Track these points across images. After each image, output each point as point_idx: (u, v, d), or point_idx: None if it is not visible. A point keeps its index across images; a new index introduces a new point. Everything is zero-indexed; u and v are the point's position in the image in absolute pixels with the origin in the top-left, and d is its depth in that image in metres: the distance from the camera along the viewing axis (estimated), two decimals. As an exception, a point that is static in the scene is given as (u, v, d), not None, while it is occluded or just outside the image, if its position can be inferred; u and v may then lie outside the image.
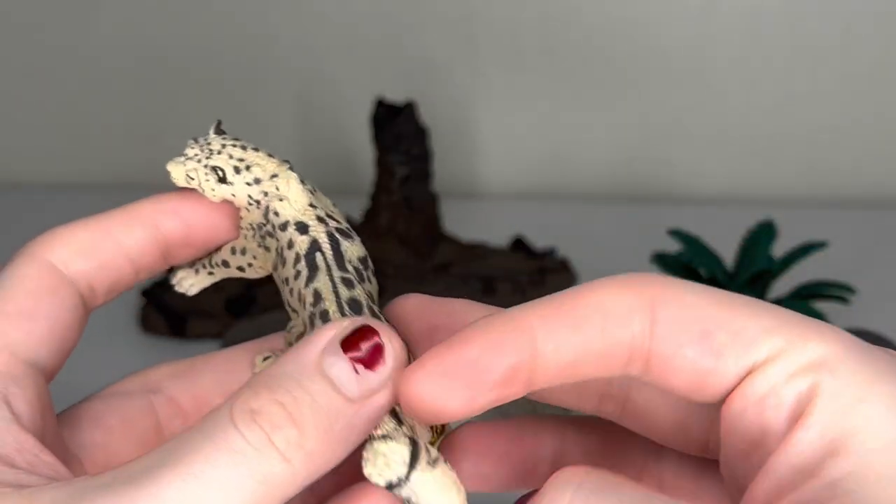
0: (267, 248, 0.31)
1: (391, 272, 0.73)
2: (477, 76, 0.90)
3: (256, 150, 0.31)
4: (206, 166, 0.30)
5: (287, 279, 0.29)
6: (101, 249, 0.30)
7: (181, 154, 0.31)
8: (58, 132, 0.94)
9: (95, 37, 0.91)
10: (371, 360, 0.26)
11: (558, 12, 0.88)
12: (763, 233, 0.64)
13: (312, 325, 0.28)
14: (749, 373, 0.26)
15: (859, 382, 0.25)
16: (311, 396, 0.25)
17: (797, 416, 0.25)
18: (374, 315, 0.29)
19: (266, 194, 0.30)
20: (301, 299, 0.29)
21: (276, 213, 0.30)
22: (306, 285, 0.28)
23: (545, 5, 0.88)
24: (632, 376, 0.28)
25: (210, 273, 0.33)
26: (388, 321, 0.29)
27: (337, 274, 0.29)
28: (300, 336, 0.29)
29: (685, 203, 0.90)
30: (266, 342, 0.33)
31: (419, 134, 0.73)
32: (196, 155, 0.30)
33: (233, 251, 0.32)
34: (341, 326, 0.26)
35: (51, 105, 0.94)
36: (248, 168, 0.30)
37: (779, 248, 0.64)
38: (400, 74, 0.90)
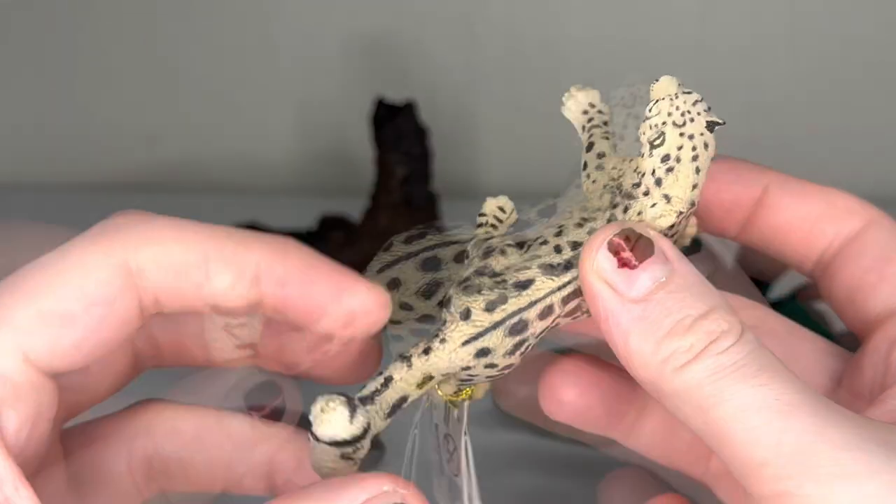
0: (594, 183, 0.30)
1: (391, 272, 0.73)
2: (477, 76, 0.90)
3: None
4: (661, 128, 0.27)
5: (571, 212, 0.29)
6: (188, 275, 0.26)
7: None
8: (57, 132, 0.94)
9: (94, 37, 0.91)
10: None
11: (558, 12, 0.88)
12: (763, 233, 0.64)
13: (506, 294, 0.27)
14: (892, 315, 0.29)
15: None
16: None
17: None
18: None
19: (652, 192, 0.28)
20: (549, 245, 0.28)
21: (640, 214, 0.28)
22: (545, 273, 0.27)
23: (545, 5, 0.88)
24: (816, 276, 0.32)
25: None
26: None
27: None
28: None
29: (685, 203, 0.90)
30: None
31: (419, 134, 0.73)
32: (666, 112, 0.27)
33: (599, 155, 0.31)
34: (378, 486, 0.24)
35: (50, 105, 0.94)
36: (674, 171, 0.27)
37: (779, 249, 0.64)
38: (400, 74, 0.90)
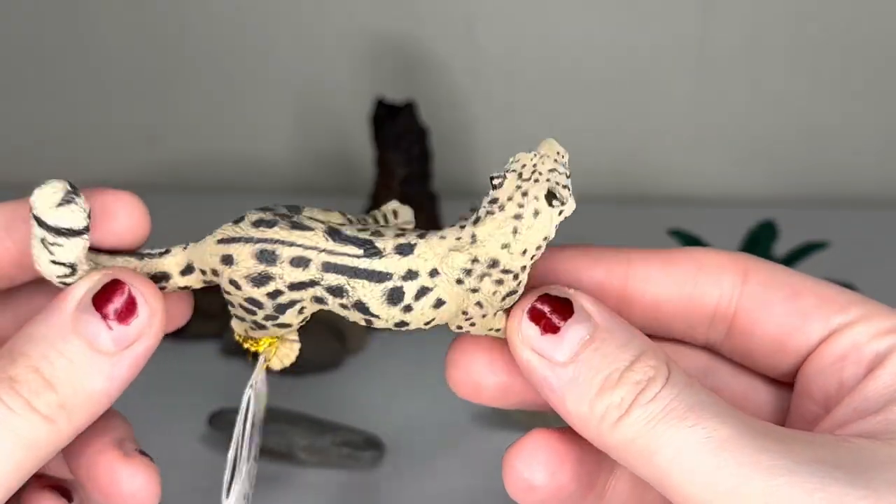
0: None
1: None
2: (477, 76, 0.90)
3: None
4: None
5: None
6: None
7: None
8: (58, 132, 0.94)
9: (95, 37, 0.91)
10: (126, 312, 0.26)
11: (558, 13, 0.88)
12: (763, 233, 0.64)
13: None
14: (830, 335, 0.28)
15: None
16: (67, 359, 0.26)
17: (872, 371, 0.27)
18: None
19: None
20: None
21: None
22: None
23: (545, 5, 0.88)
24: (712, 341, 0.30)
25: None
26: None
27: None
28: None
29: (685, 203, 0.90)
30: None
31: (419, 134, 0.73)
32: (522, 164, 0.28)
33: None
34: (92, 281, 0.26)
35: (51, 105, 0.94)
36: None
37: (779, 249, 0.64)
38: (400, 74, 0.90)
